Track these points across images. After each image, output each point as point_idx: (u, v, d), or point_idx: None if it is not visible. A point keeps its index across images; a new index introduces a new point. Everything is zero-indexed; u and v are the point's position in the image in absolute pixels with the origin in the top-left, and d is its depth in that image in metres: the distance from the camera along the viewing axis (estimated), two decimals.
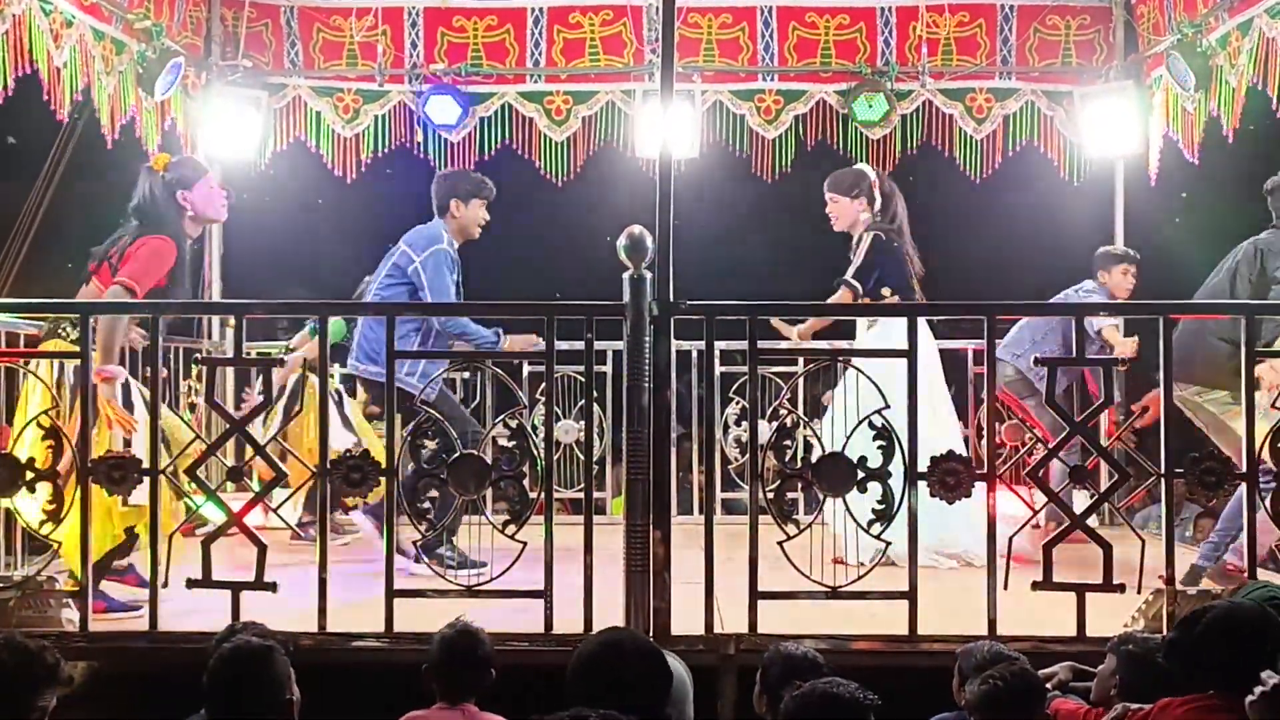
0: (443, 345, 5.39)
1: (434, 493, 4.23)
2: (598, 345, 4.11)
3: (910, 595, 3.91)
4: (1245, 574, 4.08)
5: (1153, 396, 6.14)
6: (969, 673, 3.26)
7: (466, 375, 6.93)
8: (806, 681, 2.95)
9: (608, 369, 6.69)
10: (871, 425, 3.87)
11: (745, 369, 4.18)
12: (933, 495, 4.05)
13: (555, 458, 4.24)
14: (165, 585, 4.01)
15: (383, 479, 3.92)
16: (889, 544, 4.06)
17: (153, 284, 4.47)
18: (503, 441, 4.47)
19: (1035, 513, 4.30)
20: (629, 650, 2.96)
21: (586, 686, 2.86)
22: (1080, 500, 4.40)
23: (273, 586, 3.97)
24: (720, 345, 6.05)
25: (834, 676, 2.96)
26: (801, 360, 6.07)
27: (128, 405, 4.44)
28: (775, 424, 4.51)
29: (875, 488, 3.86)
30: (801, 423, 4.98)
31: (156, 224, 4.60)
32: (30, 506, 4.06)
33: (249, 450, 4.17)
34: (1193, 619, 3.03)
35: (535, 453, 4.02)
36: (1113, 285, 6.59)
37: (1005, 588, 3.91)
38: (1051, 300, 6.60)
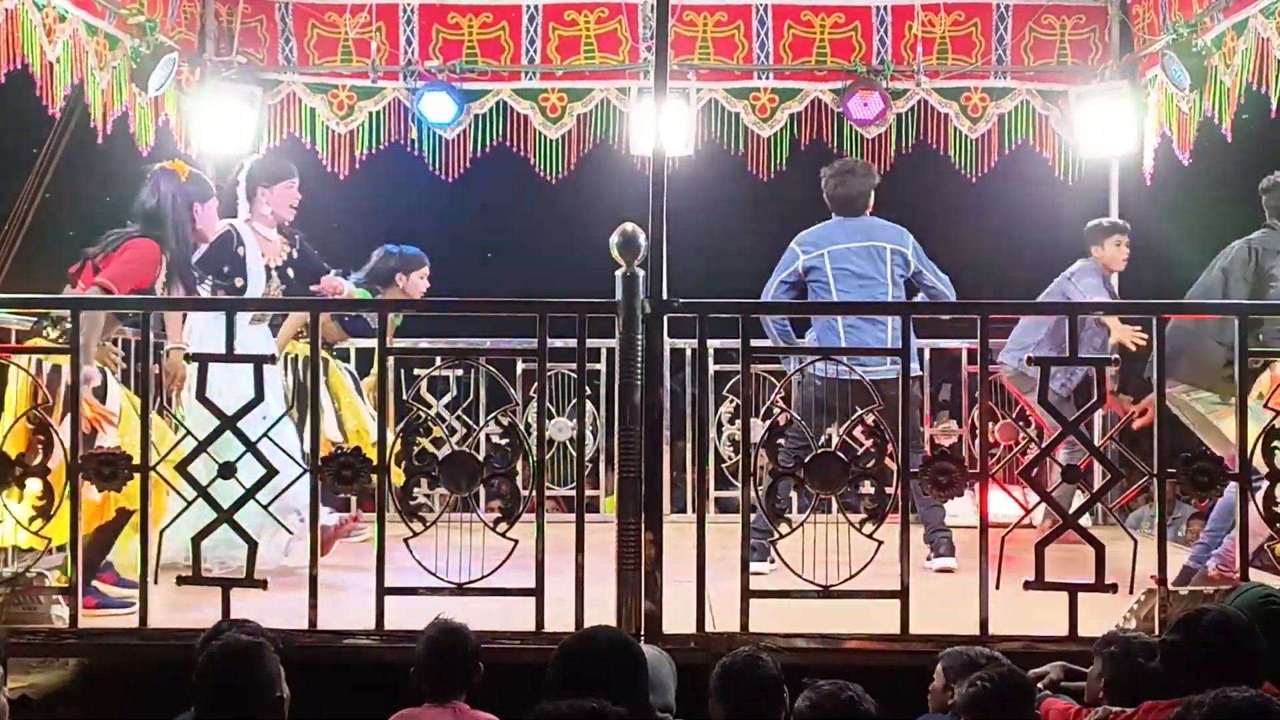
0: None
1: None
2: (591, 343, 4.10)
3: (902, 595, 3.91)
4: (1238, 576, 4.07)
5: (1150, 399, 6.12)
6: (954, 675, 3.26)
7: (460, 373, 6.91)
8: (746, 679, 3.04)
9: (601, 367, 6.68)
10: None
11: (738, 367, 4.18)
12: (925, 494, 4.05)
13: (548, 456, 4.24)
14: (156, 582, 4.01)
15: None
16: None
17: (134, 286, 4.48)
18: (495, 439, 4.47)
19: (1027, 511, 4.30)
20: (602, 643, 3.05)
21: (562, 680, 2.95)
22: (1076, 500, 4.40)
23: (263, 584, 3.97)
24: (713, 344, 6.09)
25: (764, 658, 3.08)
26: (795, 359, 6.05)
27: (103, 399, 4.44)
28: (768, 422, 4.51)
29: None
30: (795, 421, 4.97)
31: (158, 228, 4.64)
32: (18, 508, 4.05)
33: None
34: (1191, 621, 3.03)
35: (528, 450, 4.01)
36: (1106, 259, 6.54)
37: (997, 587, 3.91)
38: (1046, 292, 6.59)
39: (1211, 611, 3.06)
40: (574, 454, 5.98)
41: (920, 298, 5.61)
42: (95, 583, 4.48)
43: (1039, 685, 3.41)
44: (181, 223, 4.71)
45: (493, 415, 3.96)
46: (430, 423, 4.88)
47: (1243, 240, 5.12)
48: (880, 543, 3.89)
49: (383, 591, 3.93)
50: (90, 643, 4.07)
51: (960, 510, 5.83)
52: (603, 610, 3.83)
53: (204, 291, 5.18)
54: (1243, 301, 4.87)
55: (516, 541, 3.91)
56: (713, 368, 6.90)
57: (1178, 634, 3.01)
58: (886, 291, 5.48)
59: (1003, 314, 6.04)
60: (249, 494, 4.12)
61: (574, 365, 4.12)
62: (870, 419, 4.02)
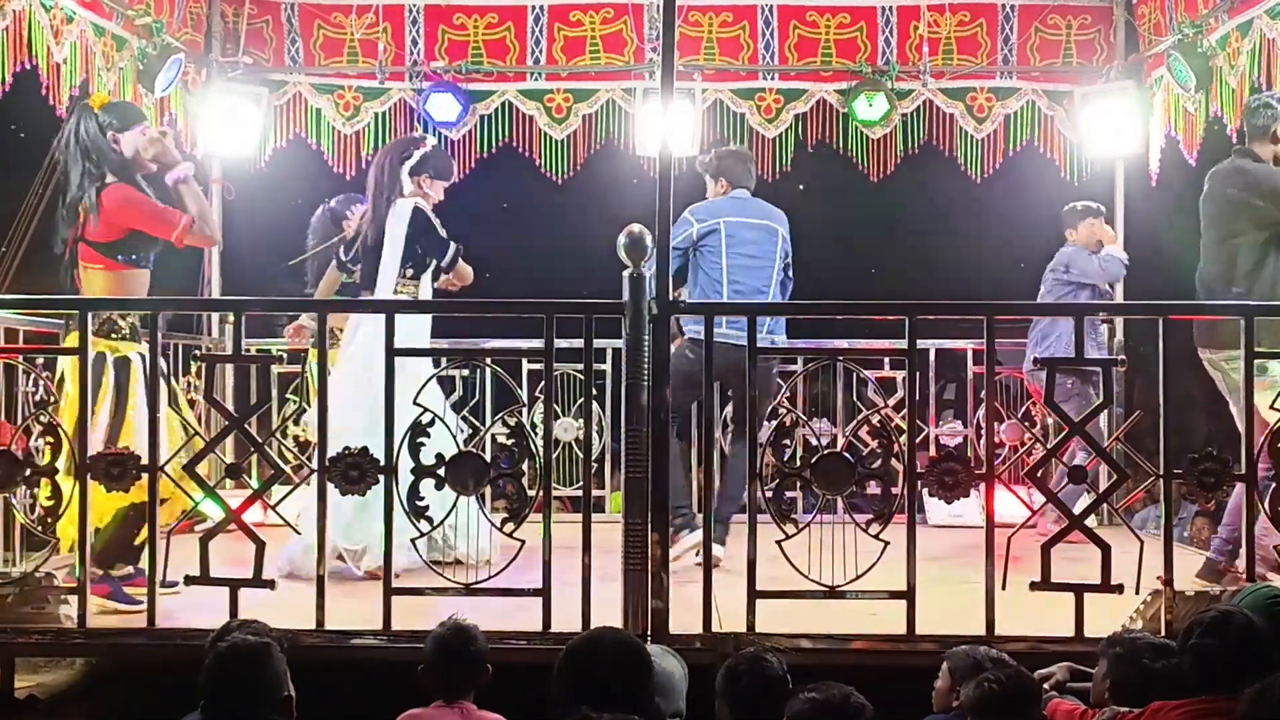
0: None
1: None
2: (597, 343, 4.11)
3: (908, 595, 3.91)
4: (1243, 576, 4.07)
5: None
6: (960, 676, 3.26)
7: (465, 373, 6.92)
8: (751, 679, 3.07)
9: (607, 367, 6.69)
10: None
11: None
12: (931, 495, 4.05)
13: (554, 456, 4.24)
14: (164, 582, 4.02)
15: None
16: None
17: (136, 215, 4.53)
18: (502, 439, 4.46)
19: (1034, 513, 4.30)
20: (608, 645, 3.08)
21: (568, 681, 2.98)
22: (1083, 501, 4.40)
23: (271, 584, 3.98)
24: None
25: (769, 659, 3.10)
26: (801, 359, 6.06)
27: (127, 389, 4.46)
28: (774, 423, 4.51)
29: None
30: (800, 421, 4.98)
31: (99, 161, 4.57)
32: None
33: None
34: (1220, 625, 3.04)
35: (534, 451, 4.02)
36: (1080, 240, 6.64)
37: (1004, 588, 3.90)
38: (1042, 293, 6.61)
39: (1237, 615, 3.09)
40: (580, 454, 6.00)
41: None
42: (126, 587, 4.47)
43: (1045, 686, 3.41)
44: (103, 154, 4.58)
45: (499, 416, 3.94)
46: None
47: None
48: (887, 543, 3.89)
49: (389, 591, 3.94)
50: (98, 642, 4.08)
51: (966, 510, 5.84)
52: (609, 610, 3.83)
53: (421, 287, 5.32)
54: (1247, 303, 4.86)
55: (523, 542, 3.91)
56: None
57: (1211, 637, 3.03)
58: (773, 274, 5.56)
59: (1008, 314, 6.05)
60: (256, 494, 4.12)
61: (580, 366, 4.13)
62: (875, 419, 4.02)
